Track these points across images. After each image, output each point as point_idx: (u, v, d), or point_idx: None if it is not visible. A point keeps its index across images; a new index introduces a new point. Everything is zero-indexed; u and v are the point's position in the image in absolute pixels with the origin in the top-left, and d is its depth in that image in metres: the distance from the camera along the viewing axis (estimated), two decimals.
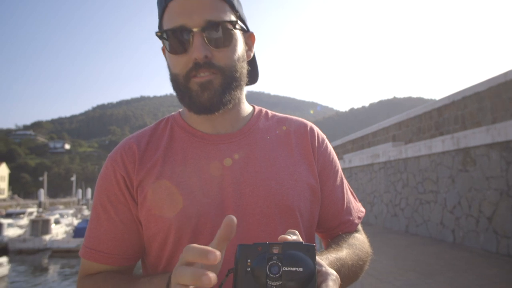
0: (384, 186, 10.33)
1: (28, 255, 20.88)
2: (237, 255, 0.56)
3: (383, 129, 13.69)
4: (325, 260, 0.69)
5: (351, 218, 0.93)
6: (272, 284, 0.51)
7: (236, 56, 0.80)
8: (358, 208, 0.97)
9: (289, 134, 0.89)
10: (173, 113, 0.93)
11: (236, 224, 0.57)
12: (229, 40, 0.78)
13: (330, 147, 0.94)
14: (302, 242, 0.56)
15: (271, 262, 0.53)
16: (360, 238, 0.91)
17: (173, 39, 0.76)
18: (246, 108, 0.91)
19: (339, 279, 0.58)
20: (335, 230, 0.92)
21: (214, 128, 0.85)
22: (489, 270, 5.21)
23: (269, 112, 0.95)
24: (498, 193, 6.16)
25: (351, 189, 0.99)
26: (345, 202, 0.93)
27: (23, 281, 15.49)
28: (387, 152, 10.23)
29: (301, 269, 0.52)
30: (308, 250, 0.54)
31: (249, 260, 0.54)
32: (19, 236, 22.99)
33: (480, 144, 6.57)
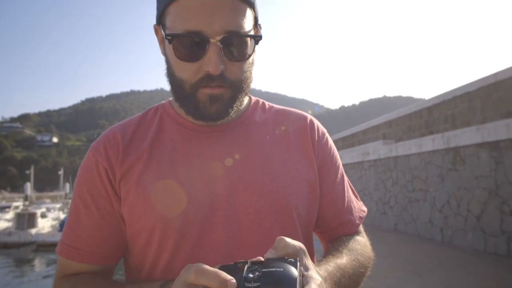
0: (374, 184, 10.37)
1: (14, 248, 20.65)
2: None
3: (373, 127, 13.75)
4: (323, 272, 0.64)
5: (352, 218, 0.87)
6: (250, 286, 0.48)
7: (248, 67, 0.73)
8: (359, 208, 0.91)
9: (287, 128, 0.83)
10: (163, 101, 0.86)
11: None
12: (246, 53, 0.70)
13: (330, 142, 0.88)
14: (284, 258, 0.52)
15: (249, 270, 0.50)
16: (361, 242, 0.85)
17: (185, 44, 0.67)
18: None
19: (324, 286, 0.54)
20: (335, 231, 0.86)
21: None
22: (477, 268, 5.25)
23: (266, 103, 0.88)
24: (487, 193, 6.21)
25: (352, 187, 0.92)
26: (346, 201, 0.86)
27: (8, 274, 15.29)
28: (377, 150, 10.27)
29: (281, 270, 0.49)
30: (290, 263, 0.51)
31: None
32: (5, 229, 22.70)
33: (470, 144, 6.62)
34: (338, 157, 0.89)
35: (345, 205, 0.86)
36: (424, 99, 10.97)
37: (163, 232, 0.70)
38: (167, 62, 0.74)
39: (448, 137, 7.21)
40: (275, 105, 0.89)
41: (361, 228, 0.90)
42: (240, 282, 0.48)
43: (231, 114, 0.74)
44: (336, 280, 0.65)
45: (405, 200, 8.80)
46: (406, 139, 10.57)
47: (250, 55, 0.72)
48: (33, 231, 21.74)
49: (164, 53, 0.75)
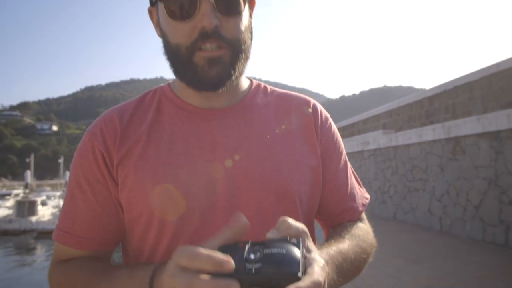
0: (374, 173, 10.38)
1: (14, 236, 20.76)
2: None
3: (373, 116, 13.72)
4: (325, 255, 0.63)
5: (354, 205, 0.85)
6: (251, 267, 0.46)
7: (244, 26, 0.72)
8: (362, 195, 0.89)
9: (289, 111, 0.81)
10: (161, 84, 0.84)
11: (248, 226, 0.51)
12: (239, 7, 0.70)
13: (334, 127, 0.86)
14: (287, 239, 0.50)
15: (250, 250, 0.48)
16: (364, 228, 0.84)
17: (176, 1, 0.67)
18: (244, 81, 0.83)
19: (327, 269, 0.53)
20: (337, 218, 0.85)
21: (208, 101, 0.76)
22: (475, 257, 5.28)
23: (268, 87, 0.86)
24: (486, 182, 6.22)
25: (355, 174, 0.91)
26: (349, 188, 0.85)
27: (10, 261, 15.40)
28: (377, 139, 10.26)
29: (283, 251, 0.47)
30: (293, 244, 0.49)
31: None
32: (5, 217, 22.79)
33: (471, 134, 6.60)
34: (342, 143, 0.87)
35: (348, 192, 0.85)
36: (425, 89, 10.91)
37: (162, 218, 0.69)
38: (163, 34, 0.73)
39: (448, 127, 7.19)
40: (277, 89, 0.87)
41: (363, 215, 0.89)
42: (240, 263, 0.46)
43: (233, 78, 0.72)
44: (337, 264, 0.64)
45: (404, 190, 8.82)
46: (407, 129, 10.55)
47: (243, 10, 0.71)
48: (34, 218, 21.84)
49: (161, 34, 0.74)
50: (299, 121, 0.80)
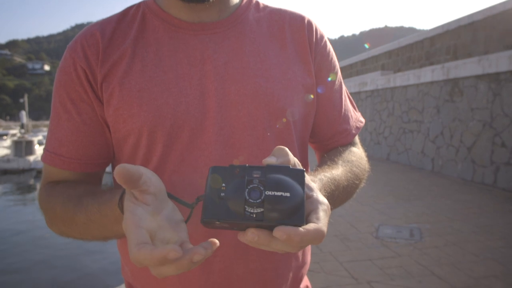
0: (370, 114, 10.40)
1: (14, 174, 21.15)
2: (208, 178, 0.46)
3: (372, 57, 13.45)
4: (318, 182, 0.61)
5: (348, 127, 0.83)
6: (252, 211, 0.42)
7: None
8: (357, 118, 0.87)
9: (283, 27, 0.76)
10: None
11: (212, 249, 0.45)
12: None
13: (329, 46, 0.81)
14: (289, 166, 0.46)
15: (250, 186, 0.44)
16: (357, 153, 0.82)
17: None
18: None
19: (330, 209, 0.50)
20: (331, 141, 0.83)
21: (196, 15, 0.71)
22: (464, 196, 5.47)
23: (260, 2, 0.80)
24: (481, 124, 6.26)
25: (350, 96, 0.88)
26: (343, 109, 0.82)
27: (11, 199, 15.82)
28: (375, 80, 10.14)
29: (287, 194, 0.43)
30: (296, 175, 0.45)
31: (223, 185, 0.45)
32: (3, 156, 23.03)
33: (470, 75, 6.52)
34: (337, 63, 0.83)
35: (342, 113, 0.82)
36: (426, 30, 10.59)
37: (151, 135, 0.66)
38: None
39: (448, 68, 7.08)
40: (269, 5, 0.81)
41: (357, 139, 0.87)
42: (240, 204, 0.43)
43: None
44: (330, 192, 0.63)
45: (399, 131, 8.89)
46: (405, 70, 10.40)
47: None
48: (31, 158, 22.11)
49: None
50: (292, 38, 0.76)
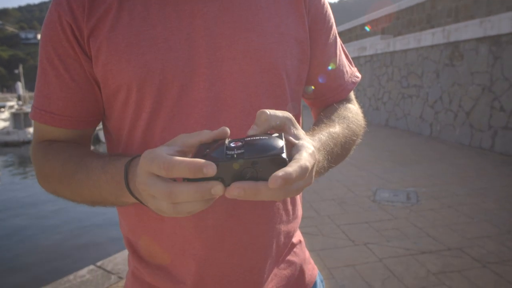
0: (369, 80, 10.31)
1: (15, 146, 21.20)
2: (195, 151, 0.48)
3: (372, 21, 13.17)
4: (317, 142, 0.62)
5: (343, 82, 0.82)
6: (232, 153, 0.44)
7: None
8: (352, 73, 0.85)
9: None
10: None
11: (228, 131, 0.49)
12: None
13: None
14: (270, 135, 0.48)
15: (231, 144, 0.46)
16: (353, 110, 0.82)
17: None
18: None
19: (317, 155, 0.51)
20: (325, 96, 0.83)
21: None
22: (461, 160, 5.53)
23: None
24: (480, 89, 6.23)
25: (346, 51, 0.86)
26: (338, 64, 0.81)
27: (13, 171, 15.95)
28: (374, 45, 9.98)
29: (266, 138, 0.46)
30: (276, 138, 0.47)
31: (207, 150, 0.47)
32: (3, 129, 23.00)
33: (471, 38, 6.42)
34: (332, 16, 0.81)
35: (337, 68, 0.81)
36: None
37: (140, 90, 0.66)
38: None
39: (449, 31, 6.96)
40: None
41: (352, 95, 0.87)
42: (221, 154, 0.44)
43: None
44: (329, 150, 0.64)
45: (398, 96, 8.85)
46: (406, 34, 10.21)
47: None
48: (31, 130, 22.09)
49: None
50: None
